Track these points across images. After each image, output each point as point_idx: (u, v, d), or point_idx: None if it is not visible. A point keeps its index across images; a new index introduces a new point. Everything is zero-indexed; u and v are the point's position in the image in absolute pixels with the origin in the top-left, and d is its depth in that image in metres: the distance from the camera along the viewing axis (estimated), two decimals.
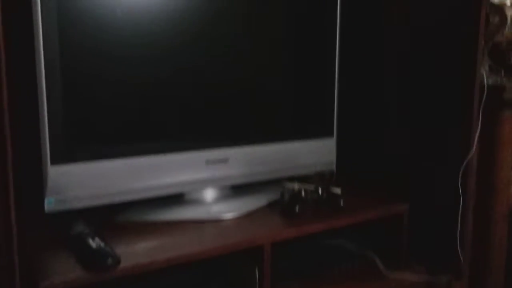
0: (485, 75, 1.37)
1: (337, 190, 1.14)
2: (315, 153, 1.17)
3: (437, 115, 1.10)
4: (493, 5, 1.39)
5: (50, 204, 0.87)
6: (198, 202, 1.05)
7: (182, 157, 0.99)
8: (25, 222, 0.84)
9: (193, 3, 0.97)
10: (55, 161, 0.86)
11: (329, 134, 1.19)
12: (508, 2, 1.50)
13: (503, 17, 1.40)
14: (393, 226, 1.14)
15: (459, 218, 1.07)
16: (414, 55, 1.14)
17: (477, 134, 1.04)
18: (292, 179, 1.21)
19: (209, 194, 1.07)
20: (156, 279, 0.89)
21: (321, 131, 1.18)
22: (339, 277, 1.07)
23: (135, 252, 0.84)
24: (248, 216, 1.03)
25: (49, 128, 0.84)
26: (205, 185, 1.05)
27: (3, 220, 0.68)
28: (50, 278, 0.73)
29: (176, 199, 1.04)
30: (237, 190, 1.12)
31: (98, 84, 0.89)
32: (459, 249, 1.07)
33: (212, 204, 1.06)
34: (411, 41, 1.14)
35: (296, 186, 1.16)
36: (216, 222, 0.99)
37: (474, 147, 1.04)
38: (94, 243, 0.81)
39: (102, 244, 0.80)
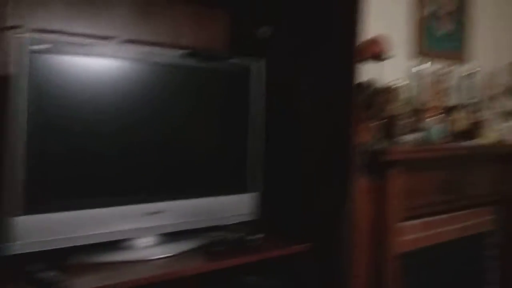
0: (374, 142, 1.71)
1: (254, 236, 1.40)
2: (232, 206, 1.45)
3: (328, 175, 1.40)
4: (378, 88, 1.76)
5: (10, 248, 1.10)
6: (135, 246, 1.30)
7: (121, 210, 1.25)
8: None
9: (141, 94, 1.28)
10: (17, 213, 1.10)
11: (244, 191, 1.47)
12: (398, 83, 1.87)
13: (388, 97, 1.77)
14: (300, 264, 1.40)
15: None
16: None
17: (352, 190, 1.35)
18: (218, 227, 1.47)
19: (145, 240, 1.32)
20: None
21: (237, 189, 1.47)
22: None
23: (80, 283, 1.08)
24: (176, 257, 1.28)
25: (12, 187, 1.10)
26: (141, 233, 1.30)
27: None
28: None
29: (118, 244, 1.28)
30: (170, 237, 1.37)
31: (54, 155, 1.16)
32: None
33: (147, 248, 1.30)
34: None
35: (218, 233, 1.42)
36: (147, 261, 1.24)
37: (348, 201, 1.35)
38: (44, 275, 1.05)
39: (51, 275, 1.04)
